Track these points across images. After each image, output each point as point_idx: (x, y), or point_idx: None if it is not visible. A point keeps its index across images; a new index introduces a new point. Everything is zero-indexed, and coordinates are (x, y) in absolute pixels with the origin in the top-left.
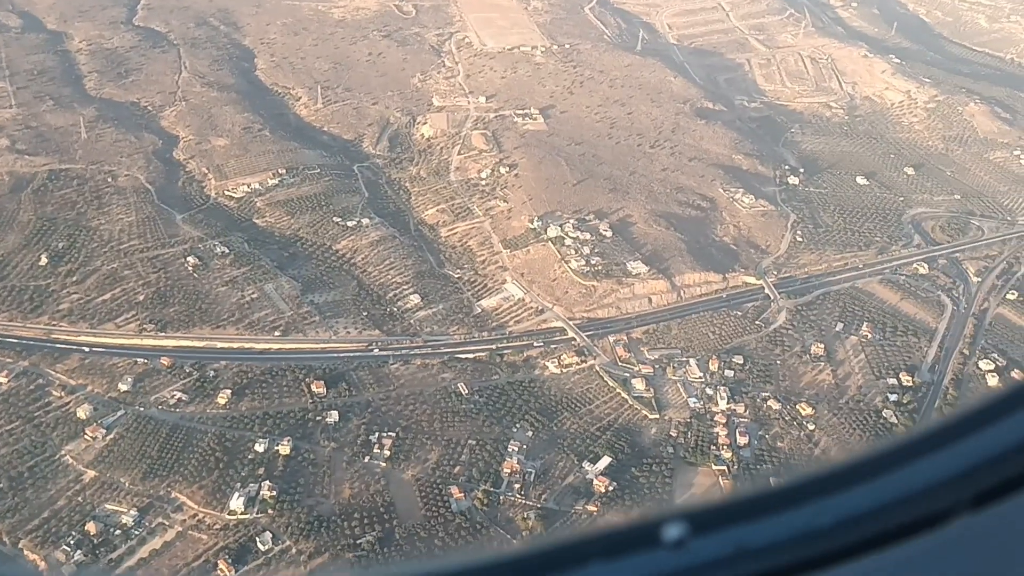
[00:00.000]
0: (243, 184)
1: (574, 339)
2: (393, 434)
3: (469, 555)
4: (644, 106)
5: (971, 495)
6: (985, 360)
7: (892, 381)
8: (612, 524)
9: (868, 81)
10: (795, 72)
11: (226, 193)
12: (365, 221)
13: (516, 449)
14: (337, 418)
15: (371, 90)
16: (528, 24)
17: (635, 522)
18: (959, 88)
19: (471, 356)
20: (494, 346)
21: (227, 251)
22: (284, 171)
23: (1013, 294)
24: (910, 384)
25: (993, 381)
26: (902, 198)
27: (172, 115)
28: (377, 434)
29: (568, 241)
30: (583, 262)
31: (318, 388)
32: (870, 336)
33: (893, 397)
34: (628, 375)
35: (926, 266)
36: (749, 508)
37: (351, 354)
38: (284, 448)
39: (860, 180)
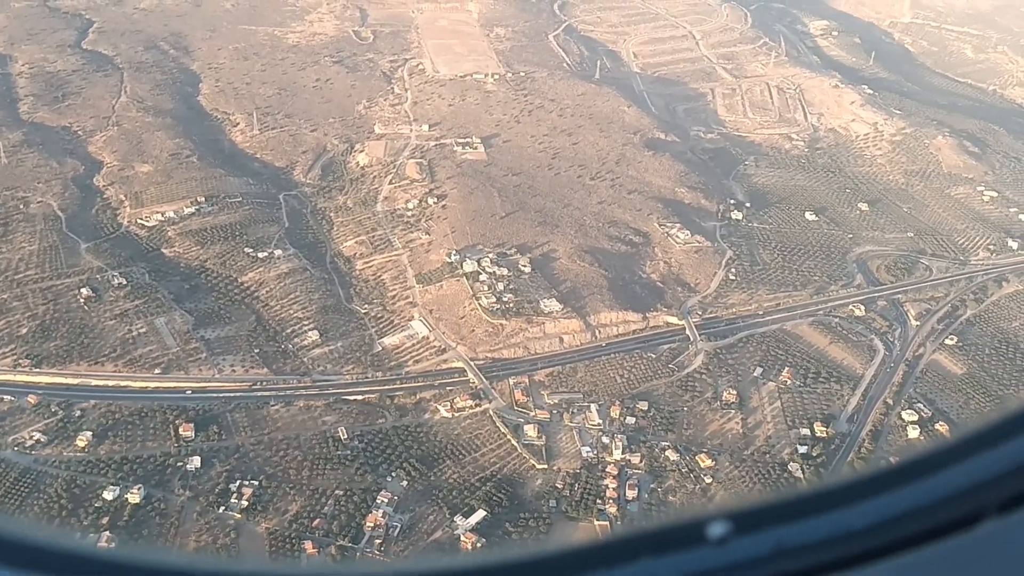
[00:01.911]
0: (157, 212)
1: (472, 381)
2: (256, 482)
3: (520, 550)
4: (592, 136)
5: (998, 501)
6: (909, 411)
7: (805, 431)
8: (659, 522)
9: (835, 112)
10: (759, 102)
11: (138, 221)
12: (278, 252)
13: (386, 501)
14: (199, 464)
15: (312, 117)
16: (487, 51)
17: (681, 520)
18: (930, 120)
19: (360, 398)
20: (386, 387)
21: (124, 283)
22: (203, 199)
23: (952, 339)
24: (824, 435)
25: (914, 433)
26: (851, 235)
27: (101, 140)
28: (238, 482)
29: (483, 276)
30: (494, 299)
31: (186, 431)
32: (789, 382)
33: (803, 449)
34: (522, 421)
35: (863, 308)
36: (789, 508)
37: (231, 394)
38: (134, 496)
39: (809, 216)
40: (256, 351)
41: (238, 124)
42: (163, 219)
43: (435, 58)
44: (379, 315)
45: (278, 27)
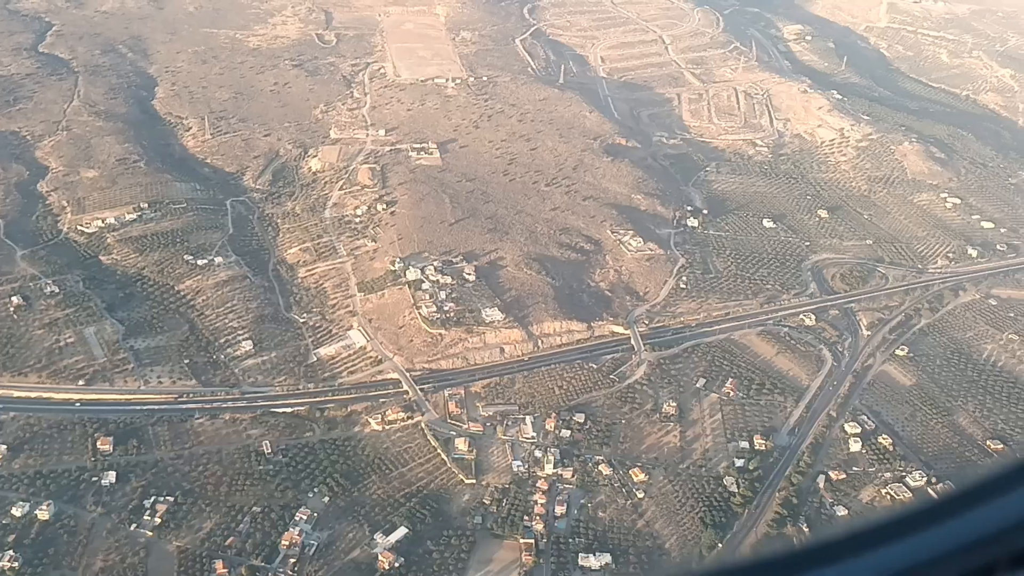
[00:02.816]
0: (98, 219)
1: (407, 393)
2: (171, 498)
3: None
4: (551, 141)
5: (1009, 555)
6: (853, 423)
7: (744, 444)
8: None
9: (803, 118)
10: (725, 108)
11: (79, 228)
12: (218, 260)
13: (304, 518)
14: (114, 479)
15: (268, 121)
16: (451, 56)
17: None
18: (899, 126)
19: (289, 410)
20: (317, 399)
21: (57, 291)
22: (146, 205)
23: (903, 350)
24: (763, 448)
25: (856, 446)
26: (808, 243)
27: (49, 145)
28: (153, 498)
29: (426, 285)
30: (435, 308)
31: (104, 445)
32: (732, 394)
33: (739, 462)
34: (454, 434)
35: (814, 317)
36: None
37: (156, 406)
38: (44, 513)
39: (767, 223)
40: (186, 362)
41: (191, 128)
42: (103, 225)
43: (398, 62)
44: (318, 324)
45: (240, 30)
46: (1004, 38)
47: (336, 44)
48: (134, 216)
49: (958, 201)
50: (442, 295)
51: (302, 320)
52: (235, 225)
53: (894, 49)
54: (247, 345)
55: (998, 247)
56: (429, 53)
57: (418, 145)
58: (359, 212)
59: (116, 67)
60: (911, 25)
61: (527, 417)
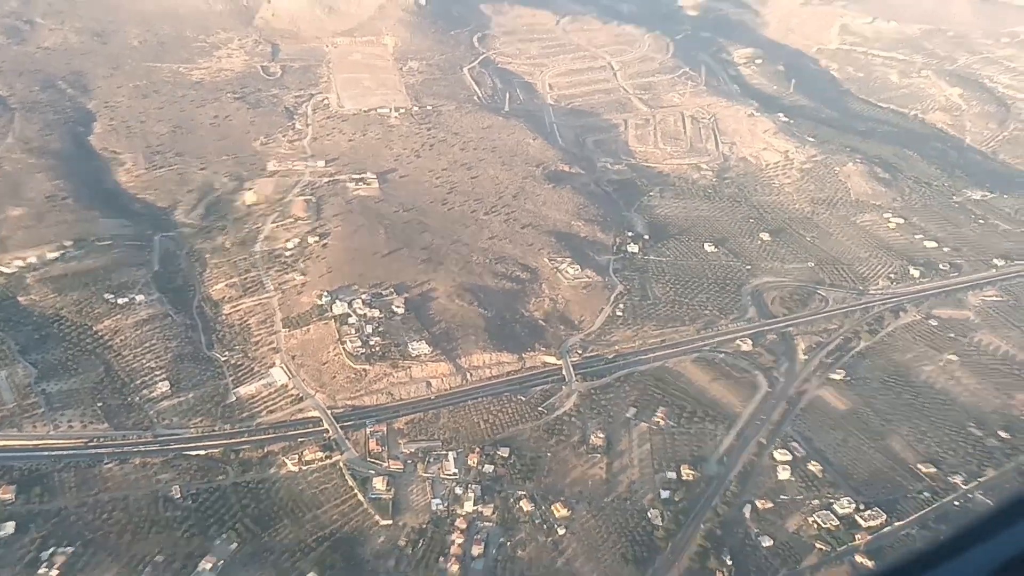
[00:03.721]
0: (19, 258)
1: (327, 431)
2: (71, 549)
3: None
4: (493, 169)
5: None
6: (783, 450)
7: (671, 475)
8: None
9: (748, 141)
10: (672, 132)
11: None
12: (139, 298)
13: (209, 567)
14: (13, 530)
15: (205, 154)
16: (396, 85)
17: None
18: (844, 147)
19: (203, 453)
20: (232, 441)
21: None
22: (71, 243)
23: (840, 373)
24: (690, 478)
25: (785, 474)
26: (749, 266)
27: None
28: (52, 549)
29: (353, 319)
30: (360, 343)
31: (5, 494)
32: (663, 423)
33: (665, 494)
34: (373, 473)
35: (750, 343)
36: None
37: (64, 452)
38: None
39: (708, 247)
40: (99, 404)
41: (125, 164)
42: (24, 265)
43: (342, 92)
44: (239, 362)
45: (184, 63)
46: (954, 57)
47: (281, 76)
48: (56, 255)
49: (901, 221)
50: (368, 329)
51: (223, 358)
52: (162, 261)
53: (845, 70)
54: (163, 386)
55: (941, 266)
56: (375, 83)
57: (357, 176)
58: (290, 245)
59: (54, 103)
60: (862, 46)
61: (450, 453)
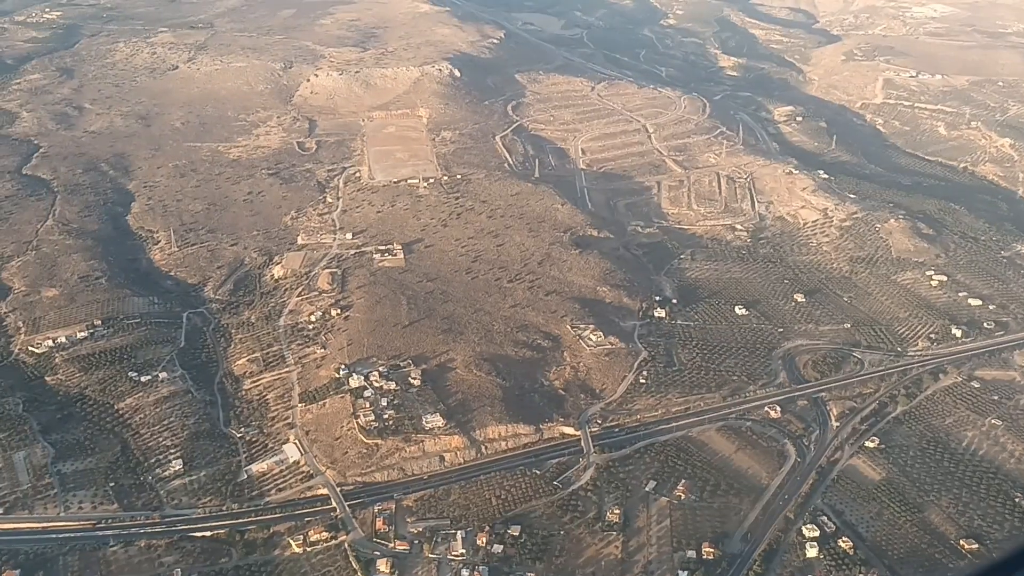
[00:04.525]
0: (50, 338)
1: (335, 510)
2: None
3: None
4: (519, 236)
5: None
6: (811, 525)
7: (691, 554)
8: None
9: (786, 199)
10: (706, 193)
11: (29, 349)
12: (162, 375)
13: None
14: None
15: (236, 230)
16: (428, 156)
17: None
18: (886, 203)
19: (208, 534)
20: (239, 521)
21: None
22: (100, 322)
23: (874, 441)
24: (711, 556)
25: (813, 551)
26: (781, 329)
27: (15, 266)
28: None
29: (368, 392)
30: (373, 417)
31: None
32: (684, 497)
33: (684, 574)
34: (378, 554)
35: (779, 409)
36: None
37: (71, 534)
38: None
39: (739, 310)
40: (111, 484)
41: (159, 242)
42: (54, 345)
43: (374, 165)
44: (254, 439)
45: (223, 142)
46: (1004, 107)
47: (316, 151)
48: (85, 334)
49: (944, 278)
50: (383, 402)
51: (239, 435)
52: (189, 338)
53: (890, 124)
54: (177, 464)
55: (985, 325)
56: (406, 155)
57: (383, 247)
58: (313, 318)
59: (95, 185)
60: (908, 100)
61: (458, 532)
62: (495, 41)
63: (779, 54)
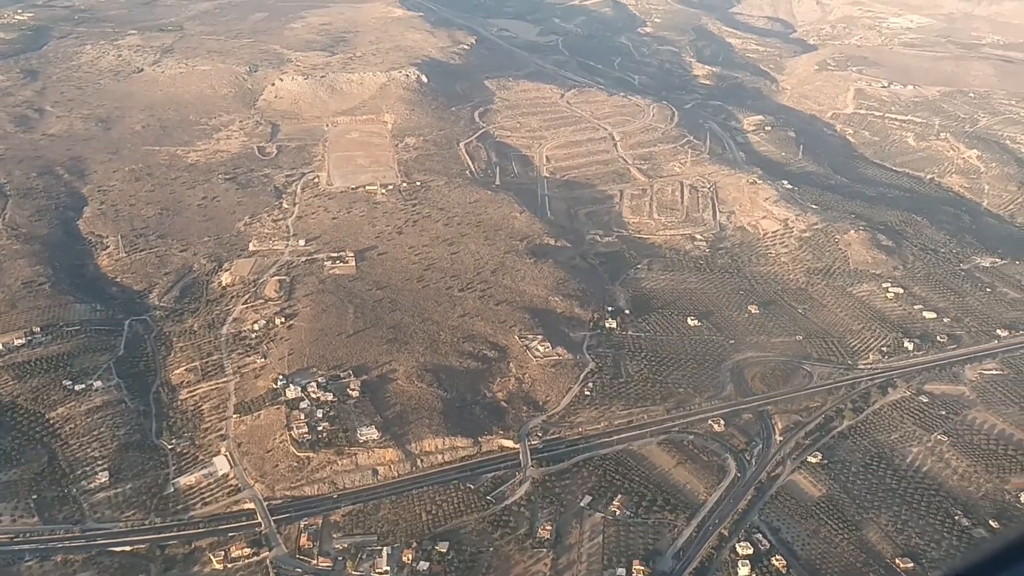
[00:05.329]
0: None
1: (260, 525)
2: None
3: None
4: (475, 244)
5: None
6: (745, 543)
7: (621, 571)
8: None
9: (748, 209)
10: (668, 203)
11: None
12: (97, 384)
13: None
14: None
15: (187, 236)
16: (389, 162)
17: None
18: (848, 214)
19: (129, 548)
20: (161, 535)
21: None
22: (39, 329)
23: (817, 456)
24: (641, 574)
25: (745, 570)
26: (733, 341)
27: None
28: None
29: (304, 403)
30: (306, 429)
31: None
32: (619, 512)
33: None
34: (300, 572)
35: (723, 423)
36: None
37: None
38: None
39: (692, 321)
40: (34, 497)
41: (108, 247)
42: None
43: (334, 171)
44: (185, 450)
45: (182, 146)
46: (974, 118)
47: (276, 156)
48: (23, 341)
49: (900, 291)
50: (319, 414)
51: (169, 447)
52: (129, 346)
53: (860, 135)
54: (103, 477)
55: (938, 338)
56: (368, 160)
57: (335, 254)
58: (256, 327)
59: (49, 189)
60: (879, 110)
61: (384, 548)
62: (466, 47)
63: (755, 63)
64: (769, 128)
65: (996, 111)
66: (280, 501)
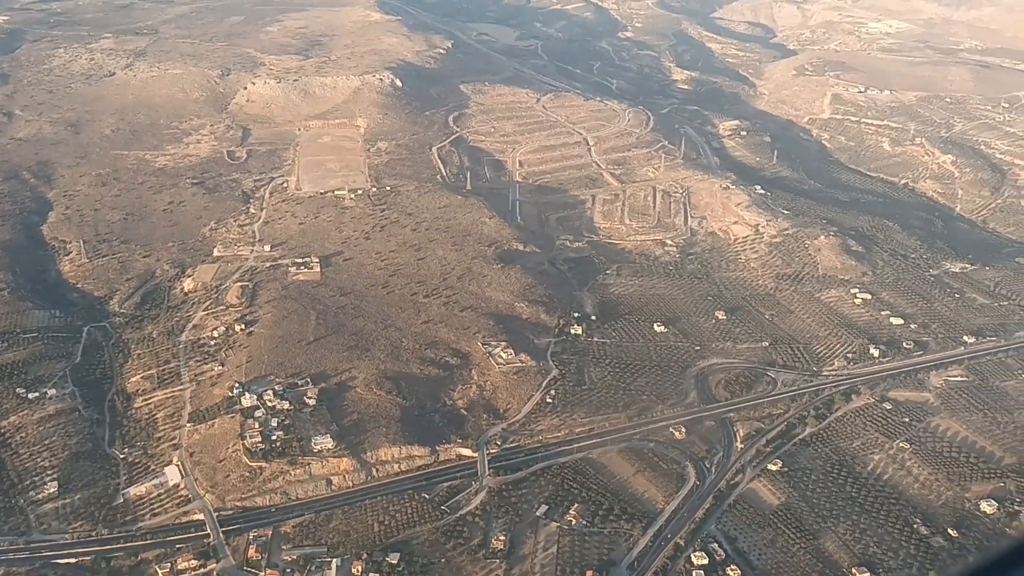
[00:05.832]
0: None
1: (208, 536)
2: None
3: None
4: (442, 250)
5: None
6: (701, 553)
7: None
8: None
9: (719, 215)
10: (640, 208)
11: None
12: (51, 392)
13: None
14: None
15: (151, 241)
16: (360, 166)
17: None
18: (819, 219)
19: (74, 560)
20: (107, 547)
21: None
22: None
23: (777, 464)
24: None
25: None
26: (699, 347)
27: None
28: None
29: (260, 412)
30: (260, 438)
31: None
32: (575, 522)
33: None
34: None
35: (684, 430)
36: None
37: None
38: None
39: (658, 327)
40: None
41: (71, 253)
42: None
43: (303, 175)
44: (137, 460)
45: (151, 150)
46: (950, 123)
47: (246, 160)
48: None
49: (868, 297)
50: (273, 422)
51: (121, 456)
52: (86, 353)
53: (836, 140)
54: (52, 487)
55: (904, 345)
56: (338, 165)
57: (299, 260)
58: (216, 334)
59: (14, 193)
60: (855, 115)
61: (334, 560)
62: (442, 51)
63: (734, 68)
64: (745, 133)
65: (972, 116)
66: (230, 512)
